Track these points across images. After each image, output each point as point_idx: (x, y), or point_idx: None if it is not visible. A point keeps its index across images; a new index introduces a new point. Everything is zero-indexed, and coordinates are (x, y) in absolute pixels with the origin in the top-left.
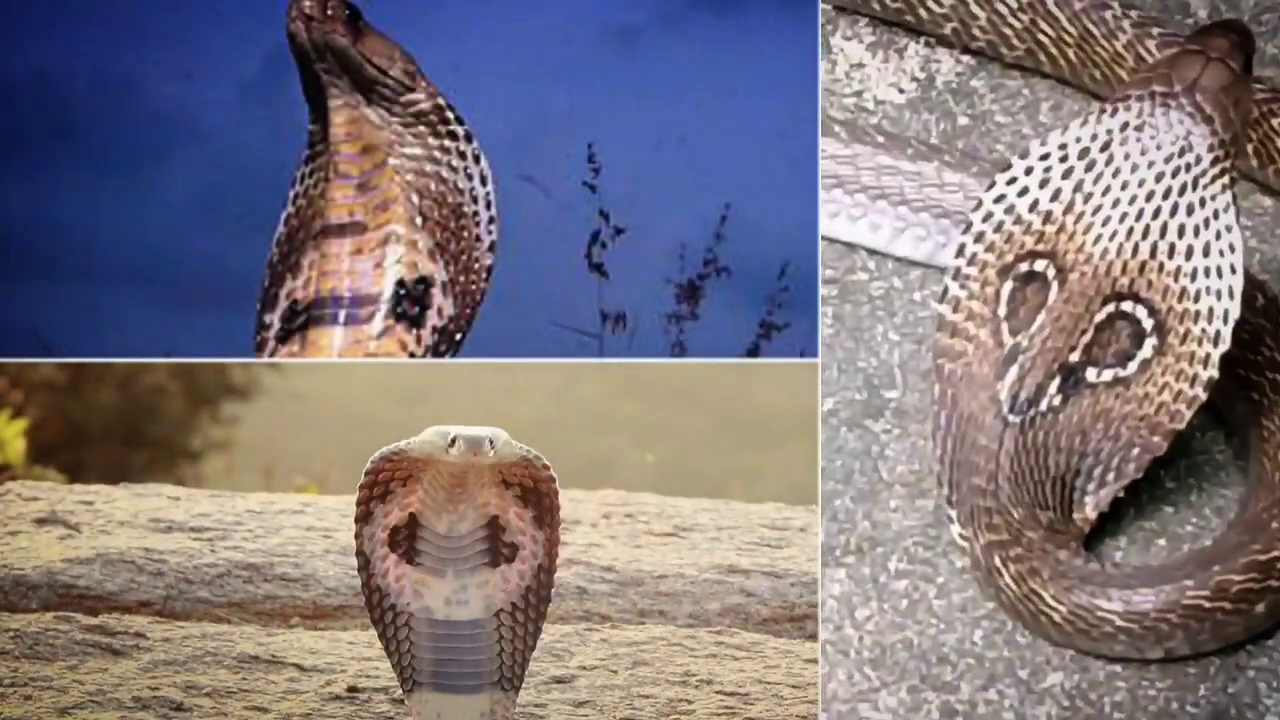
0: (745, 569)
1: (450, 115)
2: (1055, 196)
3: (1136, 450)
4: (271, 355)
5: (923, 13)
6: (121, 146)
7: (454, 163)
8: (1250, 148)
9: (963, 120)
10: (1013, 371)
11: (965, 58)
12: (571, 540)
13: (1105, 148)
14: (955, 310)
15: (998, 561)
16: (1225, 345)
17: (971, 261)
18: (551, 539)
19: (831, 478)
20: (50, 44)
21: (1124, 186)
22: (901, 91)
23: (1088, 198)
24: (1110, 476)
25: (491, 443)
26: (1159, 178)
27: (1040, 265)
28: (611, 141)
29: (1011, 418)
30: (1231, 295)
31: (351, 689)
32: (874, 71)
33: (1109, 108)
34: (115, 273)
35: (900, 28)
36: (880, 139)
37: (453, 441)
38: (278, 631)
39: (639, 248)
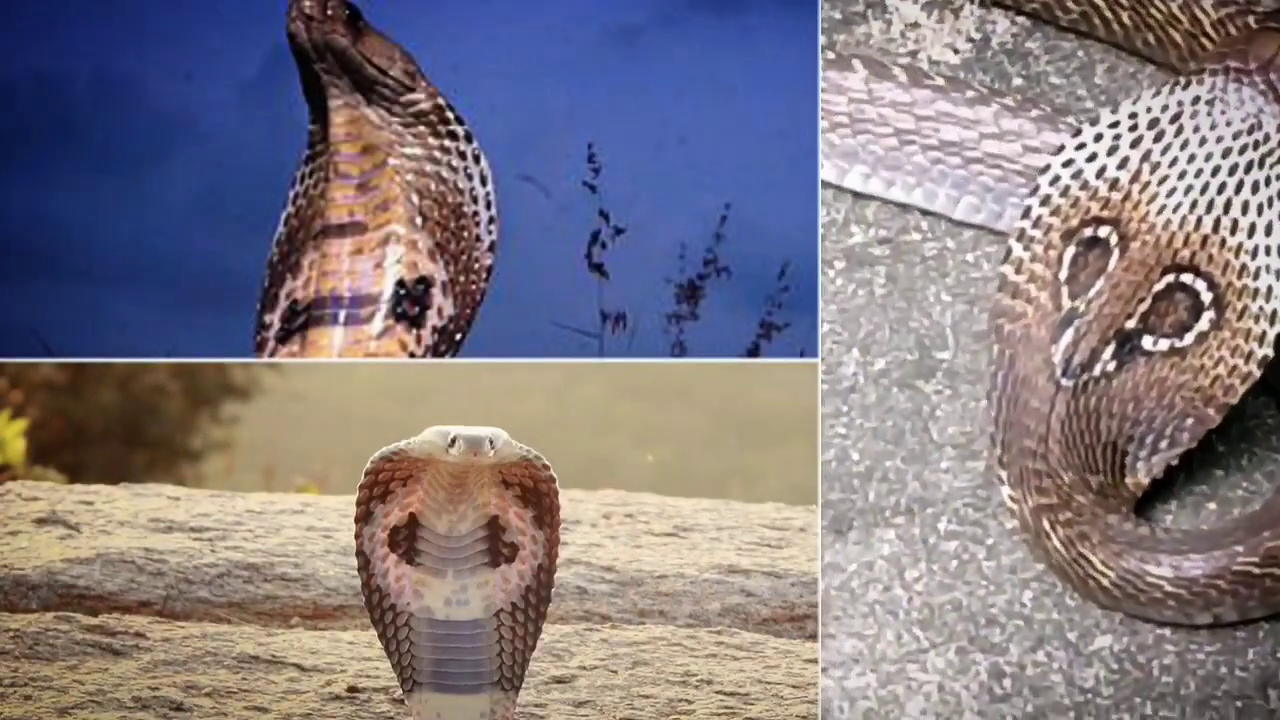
0: (745, 569)
1: (450, 115)
2: (1123, 165)
3: (1190, 420)
4: (271, 355)
5: None
6: (121, 146)
7: (454, 163)
8: None
9: (1017, 81)
10: (1068, 335)
11: (1020, 19)
12: (571, 540)
13: (1175, 119)
14: (1018, 271)
15: (1047, 524)
16: (1273, 331)
17: (1036, 224)
18: (551, 539)
19: (882, 438)
20: (50, 44)
21: (1191, 159)
22: (956, 52)
23: (1155, 168)
24: (1163, 444)
25: (491, 443)
26: (1226, 153)
27: (1104, 232)
28: (611, 141)
29: (1064, 381)
30: None
31: (351, 689)
32: (929, 31)
33: (1183, 80)
34: (115, 273)
35: None
36: (940, 81)
37: (453, 441)
38: (278, 631)
39: (639, 248)
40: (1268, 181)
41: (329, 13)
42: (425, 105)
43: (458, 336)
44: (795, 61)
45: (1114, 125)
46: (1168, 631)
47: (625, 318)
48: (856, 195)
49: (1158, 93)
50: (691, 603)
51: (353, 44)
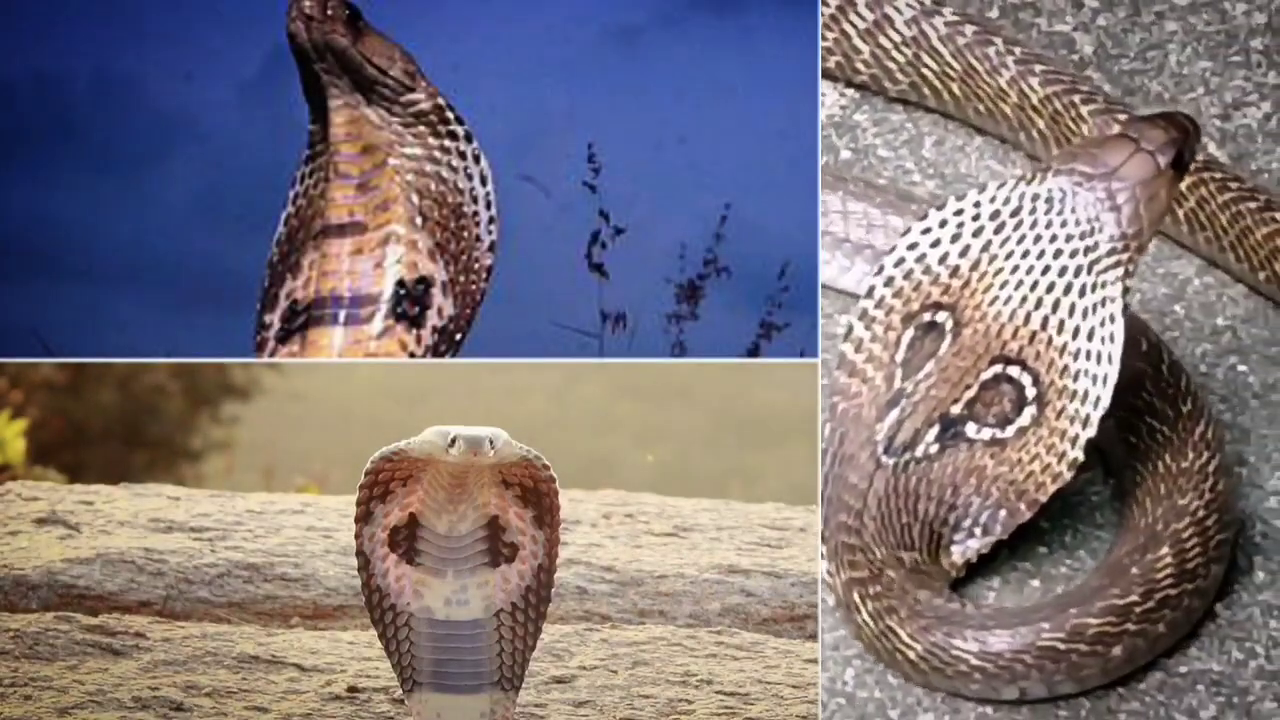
0: (745, 569)
1: (450, 115)
2: (964, 252)
3: (1004, 513)
4: (271, 355)
5: None
6: (121, 146)
7: (454, 163)
8: (1182, 213)
9: (845, 154)
10: (893, 414)
11: (849, 91)
12: (571, 540)
13: (1016, 213)
14: (857, 350)
15: (856, 598)
16: (1092, 431)
17: (879, 304)
18: (551, 539)
19: None
20: (50, 44)
21: (1025, 255)
22: None
23: (993, 259)
24: (978, 530)
25: (491, 443)
26: (1059, 254)
27: (941, 317)
28: (611, 141)
29: (885, 459)
30: (1104, 383)
31: (351, 689)
32: None
33: (1029, 175)
34: (115, 273)
35: None
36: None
37: (453, 441)
38: (278, 631)
39: (639, 248)
40: (1094, 288)
41: (329, 13)
42: (425, 105)
43: (458, 336)
44: (795, 61)
45: (959, 213)
46: (990, 710)
47: (625, 318)
48: None
49: (1003, 184)
50: (691, 603)
51: (353, 44)
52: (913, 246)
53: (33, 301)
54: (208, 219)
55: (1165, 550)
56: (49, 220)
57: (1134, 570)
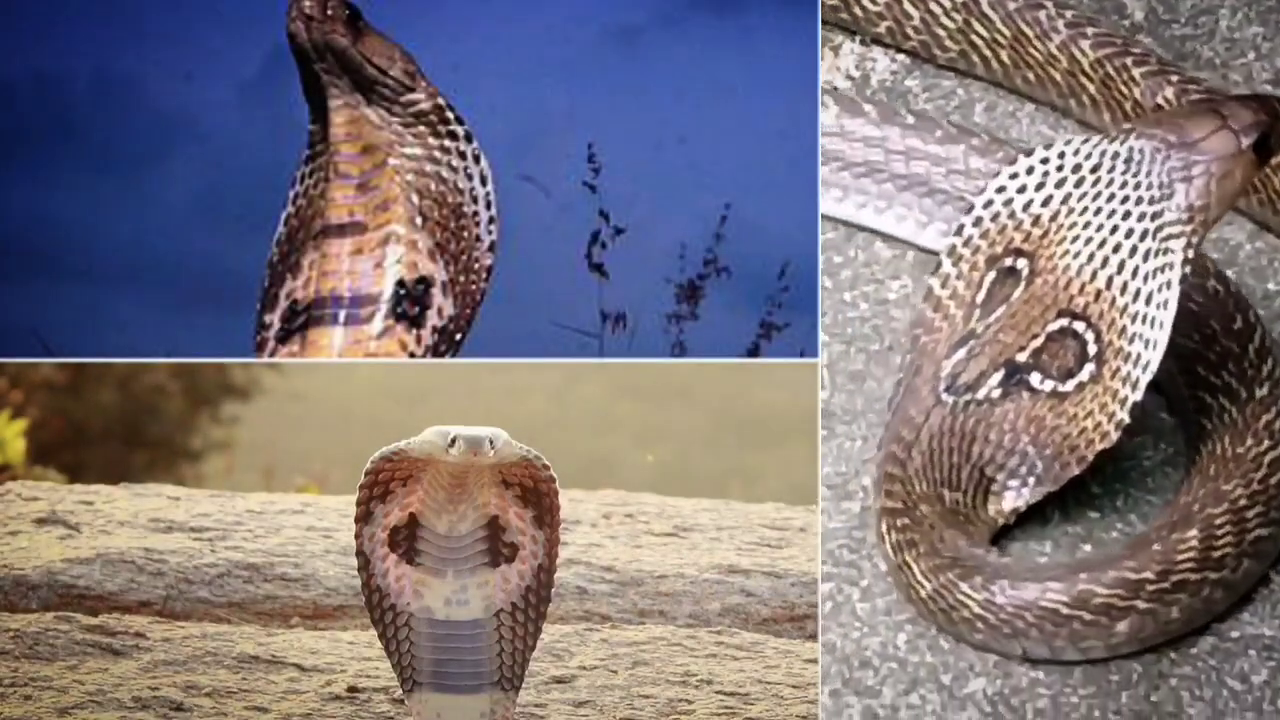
0: (745, 569)
1: (450, 115)
2: (1046, 202)
3: (1057, 466)
4: (271, 355)
5: (858, 10)
6: (121, 146)
7: (454, 163)
8: (1257, 198)
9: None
10: (960, 353)
11: (900, 56)
12: (571, 540)
13: (1095, 170)
14: (943, 286)
15: (884, 527)
16: (1139, 395)
17: (967, 244)
18: (551, 539)
19: None
20: (50, 44)
21: (1098, 212)
22: (836, 89)
23: (1070, 212)
24: (1031, 480)
25: (491, 443)
26: (1128, 215)
27: (1020, 263)
28: (611, 141)
29: (945, 396)
30: (1155, 348)
31: (351, 689)
32: None
33: (1116, 134)
34: (115, 273)
35: (836, 26)
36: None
37: (453, 441)
38: (278, 631)
39: (639, 248)
40: (1159, 254)
41: (329, 13)
42: (425, 105)
43: (458, 336)
44: (795, 61)
45: (1044, 161)
46: (1041, 674)
47: (625, 318)
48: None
49: (1087, 139)
50: (691, 603)
51: (353, 44)
52: (1001, 190)
53: (33, 301)
54: (208, 219)
55: (1193, 532)
56: (49, 220)
57: (1156, 546)
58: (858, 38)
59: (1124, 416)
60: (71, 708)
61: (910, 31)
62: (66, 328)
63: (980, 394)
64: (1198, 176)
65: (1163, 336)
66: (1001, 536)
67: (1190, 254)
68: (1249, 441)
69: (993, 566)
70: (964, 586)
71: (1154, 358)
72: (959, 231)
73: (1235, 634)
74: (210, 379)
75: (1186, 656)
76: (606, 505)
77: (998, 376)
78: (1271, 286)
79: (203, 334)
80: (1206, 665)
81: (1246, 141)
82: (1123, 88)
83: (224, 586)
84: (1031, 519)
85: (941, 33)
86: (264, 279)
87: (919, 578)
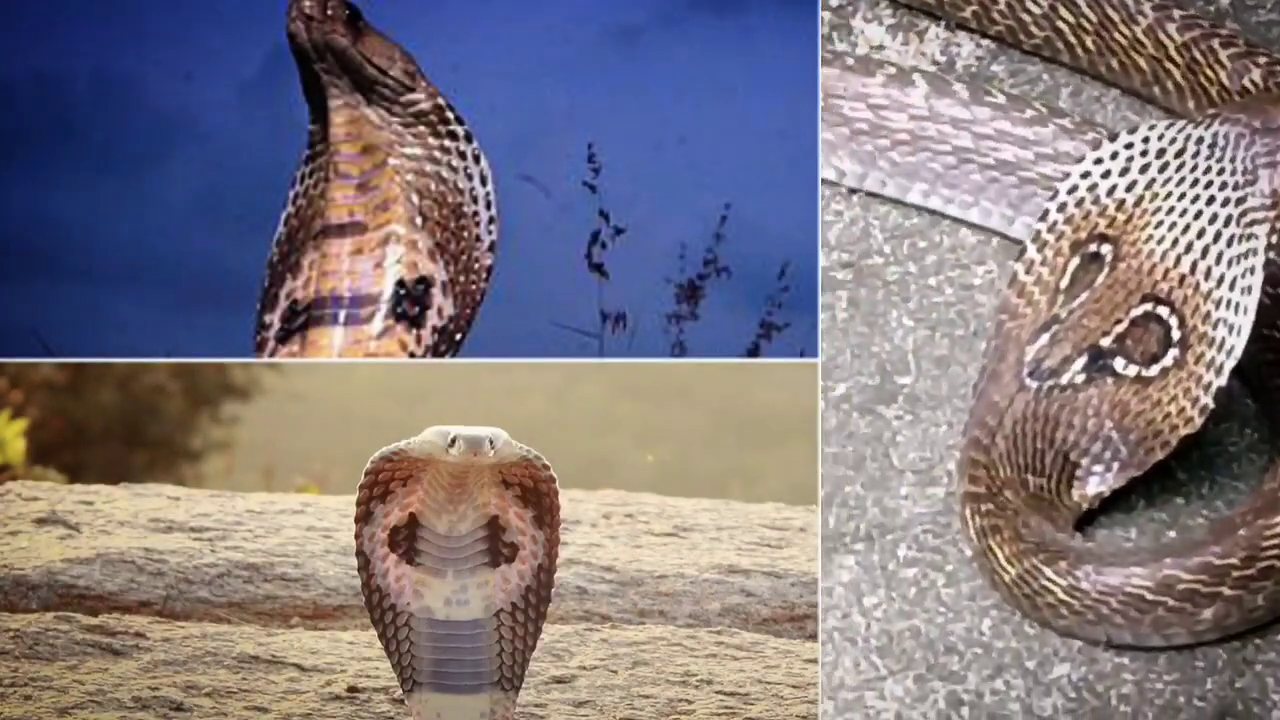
0: (745, 569)
1: (450, 115)
2: (1130, 187)
3: (1142, 451)
4: (271, 355)
5: None
6: (121, 146)
7: (454, 163)
8: None
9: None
10: (1044, 338)
11: (985, 42)
12: (571, 540)
13: (1180, 154)
14: (1027, 271)
15: (968, 512)
16: (1223, 380)
17: (1052, 229)
18: (551, 539)
19: (843, 464)
20: (50, 44)
21: (1182, 197)
22: (921, 74)
23: (1154, 197)
24: (1115, 465)
25: (491, 443)
26: (1211, 200)
27: (1105, 249)
28: (611, 141)
29: (1029, 381)
30: (1239, 333)
31: (351, 689)
32: (894, 54)
33: (1201, 119)
34: (115, 273)
35: (920, 11)
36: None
37: (453, 441)
38: (278, 631)
39: (639, 248)
40: (1243, 239)
41: (329, 13)
42: (425, 105)
43: (458, 336)
44: (795, 61)
45: (1129, 146)
46: (1126, 660)
47: (625, 318)
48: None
49: (1171, 124)
50: (691, 603)
51: (353, 44)
52: (1086, 175)
53: (33, 301)
54: (208, 219)
55: (1279, 519)
56: (49, 220)
57: (1242, 532)
58: (943, 22)
59: (1208, 401)
60: (71, 708)
61: (996, 16)
62: (66, 328)
63: (1064, 379)
64: None
65: (1246, 322)
66: (1086, 523)
67: (1274, 239)
68: None
69: (1077, 551)
70: (1048, 571)
71: (1238, 343)
72: (1044, 217)
73: None
74: (210, 379)
75: (1272, 643)
76: (606, 505)
77: (1081, 361)
78: None
79: (203, 334)
80: None
81: None
82: (1208, 71)
83: (224, 586)
84: (1116, 505)
85: (1027, 18)
86: (264, 279)
87: (1003, 563)
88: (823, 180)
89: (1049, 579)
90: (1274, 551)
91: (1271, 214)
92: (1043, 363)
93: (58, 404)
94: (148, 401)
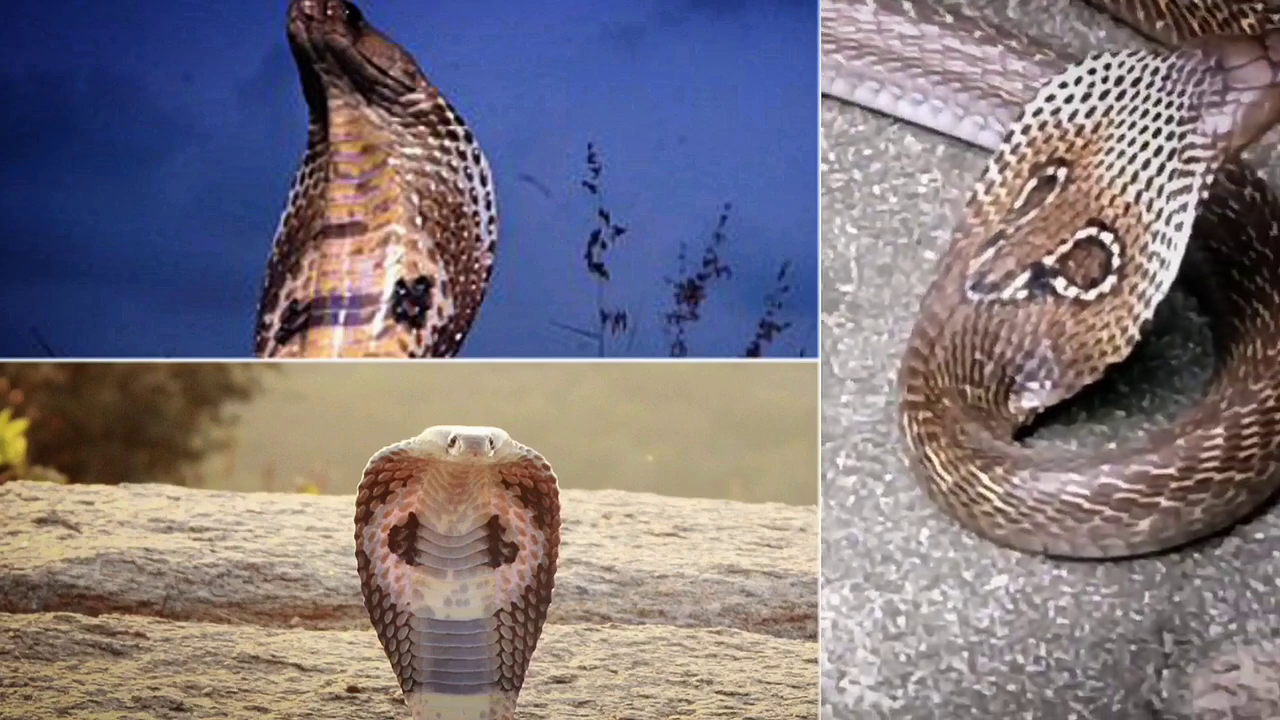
0: (745, 569)
1: (450, 115)
2: (1090, 114)
3: (1072, 373)
4: (271, 355)
5: None
6: (121, 146)
7: (454, 163)
8: None
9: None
10: (989, 252)
11: None
12: (571, 540)
13: (1136, 84)
14: (987, 191)
15: (906, 420)
16: (1150, 313)
17: (1015, 151)
18: (551, 539)
19: None
20: (50, 44)
21: (1132, 126)
22: None
23: (1110, 124)
24: (1048, 384)
25: (491, 443)
26: (1158, 133)
27: (1060, 172)
28: (611, 141)
29: (971, 294)
30: (1168, 268)
31: (351, 689)
32: None
33: (1159, 51)
34: (115, 273)
35: None
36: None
37: (453, 441)
38: (278, 631)
39: (639, 248)
40: (1182, 174)
41: (329, 13)
42: (425, 105)
43: (458, 336)
44: (795, 61)
45: (1092, 72)
46: (1064, 572)
47: (625, 318)
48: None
49: (1134, 53)
50: (691, 603)
51: (353, 44)
52: (1050, 99)
53: (33, 301)
54: (208, 219)
55: (1219, 430)
56: (49, 220)
57: (1180, 441)
58: None
59: (1135, 333)
60: (71, 708)
61: None
62: (66, 328)
63: (1005, 294)
64: (1227, 104)
65: (1176, 257)
66: (1028, 434)
67: (1209, 179)
68: (1279, 344)
69: (1014, 458)
70: (985, 478)
71: (1167, 278)
72: (1008, 139)
73: (1260, 535)
74: (210, 379)
75: (1210, 557)
76: (606, 505)
77: (1024, 278)
78: None
79: (203, 334)
80: (1230, 566)
81: None
82: None
83: (224, 586)
84: (1057, 417)
85: None
86: (264, 279)
87: (939, 470)
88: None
89: (985, 485)
90: (1212, 463)
91: (1208, 154)
92: (986, 276)
93: (58, 404)
94: (148, 401)
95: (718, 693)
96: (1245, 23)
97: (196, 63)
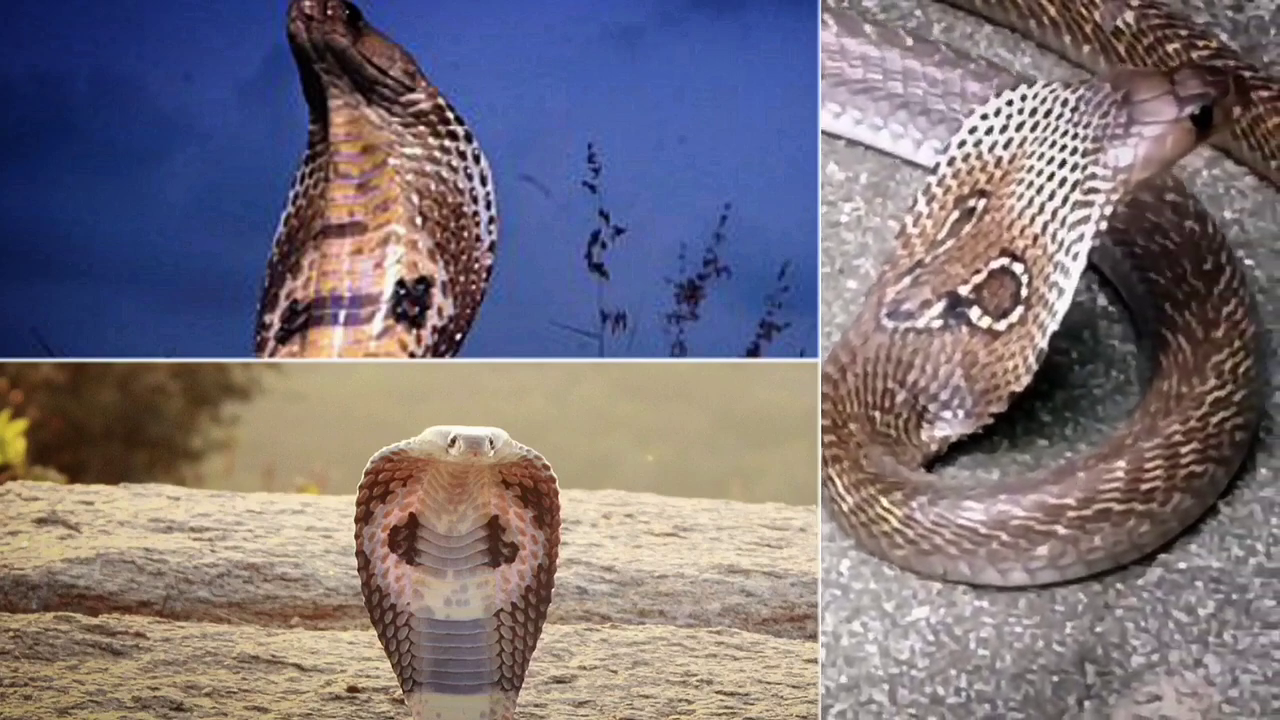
0: (745, 569)
1: (450, 115)
2: (1008, 145)
3: (983, 404)
4: (271, 355)
5: None
6: (121, 146)
7: (454, 163)
8: (1246, 145)
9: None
10: (906, 280)
11: None
12: (571, 540)
13: (1047, 115)
14: (915, 224)
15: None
16: (1044, 343)
17: (940, 183)
18: (551, 539)
19: None
20: (50, 44)
21: (1041, 157)
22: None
23: (1024, 154)
24: (960, 414)
25: (491, 443)
26: (1063, 165)
27: (980, 203)
28: (611, 141)
29: (886, 321)
30: (1063, 299)
31: (351, 689)
32: None
33: (1072, 82)
34: (115, 273)
35: None
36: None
37: (453, 441)
38: (278, 631)
39: (639, 248)
40: (1083, 205)
41: (329, 13)
42: (425, 105)
43: (458, 336)
44: (795, 61)
45: (1009, 104)
46: (985, 603)
47: (625, 318)
48: None
49: (1048, 84)
50: (691, 603)
51: (353, 44)
52: (973, 130)
53: (33, 301)
54: (208, 219)
55: (1120, 463)
56: (49, 220)
57: (1081, 474)
58: None
59: (1034, 362)
60: (71, 708)
61: None
62: (66, 328)
63: (920, 323)
64: (1130, 137)
65: (1071, 286)
66: (948, 463)
67: (1108, 210)
68: (1194, 380)
69: (914, 484)
70: (884, 501)
71: (1062, 307)
72: (934, 171)
73: (1182, 565)
74: (210, 379)
75: (1133, 587)
76: (606, 505)
77: (940, 307)
78: (1227, 214)
79: (203, 334)
80: (1153, 596)
81: (1186, 111)
82: (1082, 9)
83: (224, 586)
84: (979, 446)
85: None
86: (264, 279)
87: (841, 491)
88: None
89: (884, 508)
90: (1112, 495)
91: (1108, 185)
92: (902, 305)
93: (58, 404)
94: (148, 401)
95: (718, 693)
96: (1170, 48)
97: (196, 63)
